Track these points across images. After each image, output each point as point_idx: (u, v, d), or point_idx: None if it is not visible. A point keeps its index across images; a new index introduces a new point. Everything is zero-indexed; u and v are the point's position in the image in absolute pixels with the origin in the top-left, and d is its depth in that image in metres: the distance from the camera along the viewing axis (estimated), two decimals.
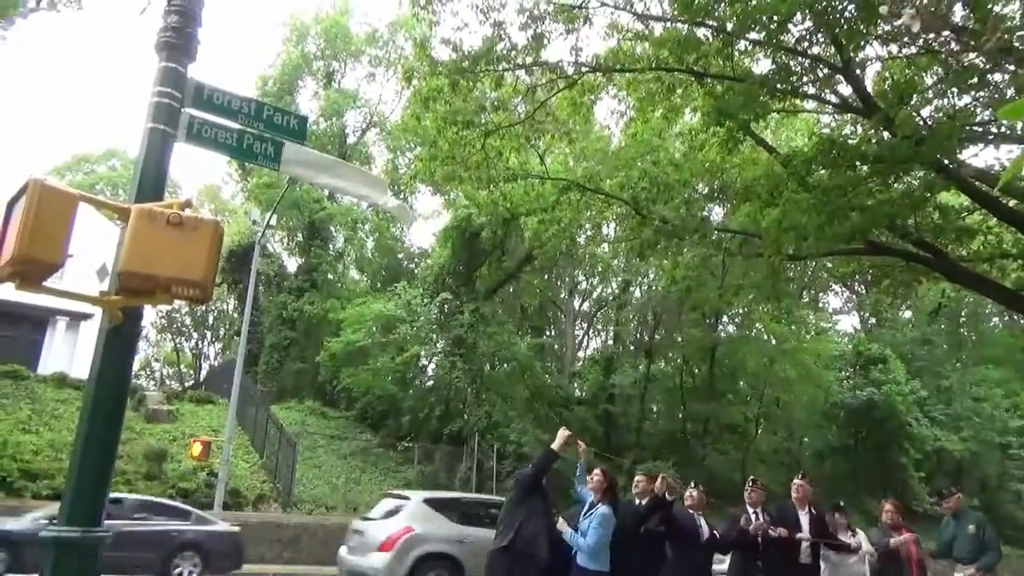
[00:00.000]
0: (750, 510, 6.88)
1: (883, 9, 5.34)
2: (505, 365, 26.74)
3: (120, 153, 43.64)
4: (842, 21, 8.67)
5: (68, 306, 20.98)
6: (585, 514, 6.02)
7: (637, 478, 7.08)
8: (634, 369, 30.07)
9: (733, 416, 29.40)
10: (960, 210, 11.64)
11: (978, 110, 9.39)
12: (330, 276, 31.43)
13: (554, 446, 6.04)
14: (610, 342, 35.73)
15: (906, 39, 9.04)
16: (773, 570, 6.69)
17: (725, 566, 7.45)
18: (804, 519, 6.81)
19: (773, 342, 28.46)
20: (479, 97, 12.66)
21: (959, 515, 7.62)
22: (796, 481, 7.12)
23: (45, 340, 23.46)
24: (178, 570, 11.40)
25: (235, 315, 37.29)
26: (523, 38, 11.20)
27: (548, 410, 26.87)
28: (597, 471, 6.27)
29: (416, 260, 37.80)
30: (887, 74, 10.85)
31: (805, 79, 10.23)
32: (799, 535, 6.64)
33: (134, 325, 3.41)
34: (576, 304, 36.48)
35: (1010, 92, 8.41)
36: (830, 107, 11.68)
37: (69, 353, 22.91)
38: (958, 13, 8.35)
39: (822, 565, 7.01)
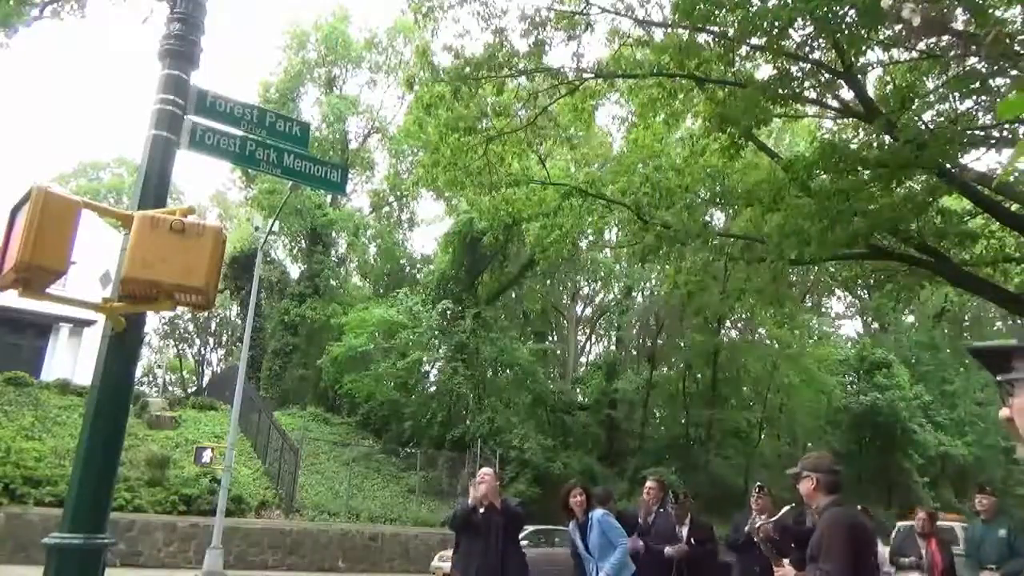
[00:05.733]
0: (755, 516, 6.85)
1: (885, 3, 5.36)
2: (507, 371, 26.73)
3: (127, 160, 43.81)
4: (843, 26, 8.67)
5: (71, 313, 20.99)
6: (585, 534, 5.86)
7: (649, 484, 7.11)
8: (637, 374, 30.03)
9: (736, 421, 29.36)
10: (962, 214, 11.61)
11: (980, 114, 9.39)
12: (332, 282, 31.46)
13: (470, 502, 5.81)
14: (612, 347, 35.70)
15: (907, 43, 9.04)
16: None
17: None
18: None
19: (776, 347, 28.42)
20: (481, 103, 12.66)
21: (990, 519, 7.30)
22: None
23: (48, 347, 23.48)
24: None
25: (238, 321, 37.34)
26: (524, 44, 11.22)
27: (551, 416, 26.84)
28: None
29: (418, 266, 37.85)
30: (888, 79, 10.86)
31: (806, 84, 10.23)
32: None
33: (137, 331, 3.41)
34: (578, 309, 36.48)
35: (1012, 96, 8.39)
36: (832, 112, 11.69)
37: (72, 360, 22.92)
38: (959, 18, 8.36)
39: None
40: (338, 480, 20.95)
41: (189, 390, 39.81)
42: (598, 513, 5.87)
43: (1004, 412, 1.19)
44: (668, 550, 6.51)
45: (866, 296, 35.61)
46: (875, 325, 38.17)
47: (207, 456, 16.52)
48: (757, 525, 6.55)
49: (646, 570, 6.42)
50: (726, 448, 29.56)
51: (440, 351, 24.78)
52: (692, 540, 6.70)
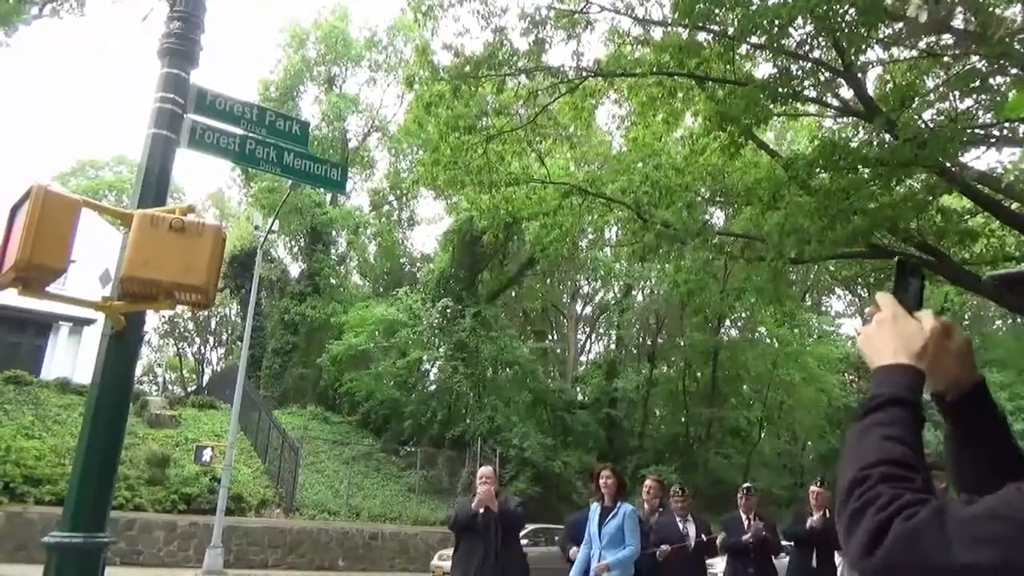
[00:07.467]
0: (743, 516, 6.95)
1: (888, 1, 5.38)
2: (507, 369, 26.72)
3: (127, 159, 43.77)
4: (843, 25, 8.66)
5: (71, 311, 21.01)
6: (604, 520, 5.79)
7: (648, 483, 7.14)
8: (637, 373, 30.04)
9: (736, 420, 29.37)
10: (962, 213, 11.59)
11: (980, 113, 9.39)
12: (332, 281, 31.46)
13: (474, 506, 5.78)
14: (612, 346, 35.71)
15: (908, 42, 9.04)
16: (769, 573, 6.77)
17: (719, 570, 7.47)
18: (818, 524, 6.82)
19: (776, 345, 28.42)
20: (481, 102, 12.64)
21: None
22: (813, 488, 7.10)
23: (48, 345, 23.47)
24: None
25: (237, 320, 37.33)
26: (524, 43, 11.20)
27: (550, 414, 26.86)
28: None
29: (418, 264, 37.84)
30: (888, 77, 10.86)
31: (806, 83, 10.23)
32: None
33: (136, 330, 3.41)
34: (578, 308, 36.47)
35: (1012, 95, 8.39)
36: (832, 111, 11.68)
37: (72, 358, 22.92)
38: (959, 17, 8.35)
39: (839, 567, 6.94)
40: (338, 479, 20.97)
41: (189, 389, 39.82)
42: (629, 508, 5.88)
43: None
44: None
45: (866, 295, 35.60)
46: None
47: (207, 455, 16.55)
48: (755, 530, 6.61)
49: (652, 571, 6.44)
50: (726, 447, 29.57)
51: (440, 350, 24.78)
52: (702, 536, 6.75)
